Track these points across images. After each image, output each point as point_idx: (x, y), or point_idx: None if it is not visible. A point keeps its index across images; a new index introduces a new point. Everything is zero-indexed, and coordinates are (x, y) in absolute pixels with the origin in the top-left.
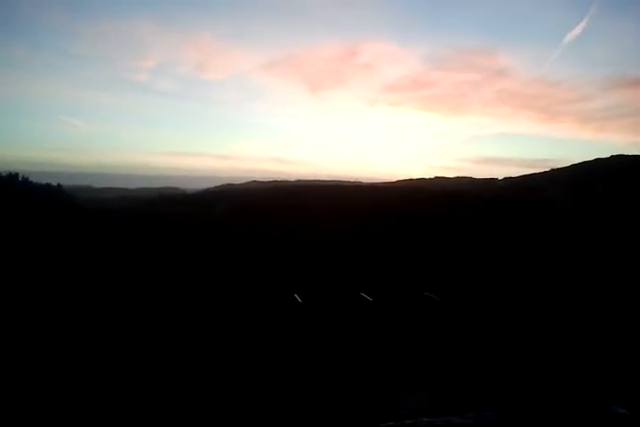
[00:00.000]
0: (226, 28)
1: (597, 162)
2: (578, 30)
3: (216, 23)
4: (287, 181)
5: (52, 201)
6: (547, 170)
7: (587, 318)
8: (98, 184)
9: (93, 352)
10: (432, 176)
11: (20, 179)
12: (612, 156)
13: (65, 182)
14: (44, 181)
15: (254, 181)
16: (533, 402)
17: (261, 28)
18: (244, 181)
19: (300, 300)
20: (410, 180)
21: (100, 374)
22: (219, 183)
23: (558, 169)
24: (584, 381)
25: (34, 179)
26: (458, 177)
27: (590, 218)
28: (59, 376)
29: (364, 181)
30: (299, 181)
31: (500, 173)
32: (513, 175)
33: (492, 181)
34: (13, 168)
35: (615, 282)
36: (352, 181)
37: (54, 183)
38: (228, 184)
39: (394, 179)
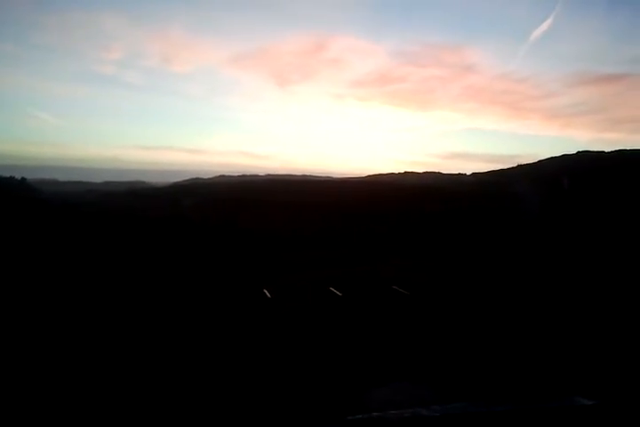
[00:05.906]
0: (193, 20)
1: (564, 158)
2: (544, 27)
3: (183, 15)
4: (257, 176)
5: (13, 194)
6: (514, 166)
7: (553, 312)
8: (64, 178)
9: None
10: (401, 171)
11: None
12: (579, 152)
13: (30, 176)
14: (7, 175)
15: (223, 176)
16: (499, 394)
17: (229, 21)
18: (212, 175)
19: (269, 295)
20: (379, 175)
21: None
22: (187, 177)
23: (526, 165)
24: (552, 373)
25: None
26: (427, 172)
27: (557, 212)
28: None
29: (333, 175)
30: (268, 175)
31: (468, 168)
32: (481, 171)
33: (461, 176)
34: None
35: (581, 274)
36: (322, 175)
37: (18, 177)
38: (197, 178)
39: (363, 174)
